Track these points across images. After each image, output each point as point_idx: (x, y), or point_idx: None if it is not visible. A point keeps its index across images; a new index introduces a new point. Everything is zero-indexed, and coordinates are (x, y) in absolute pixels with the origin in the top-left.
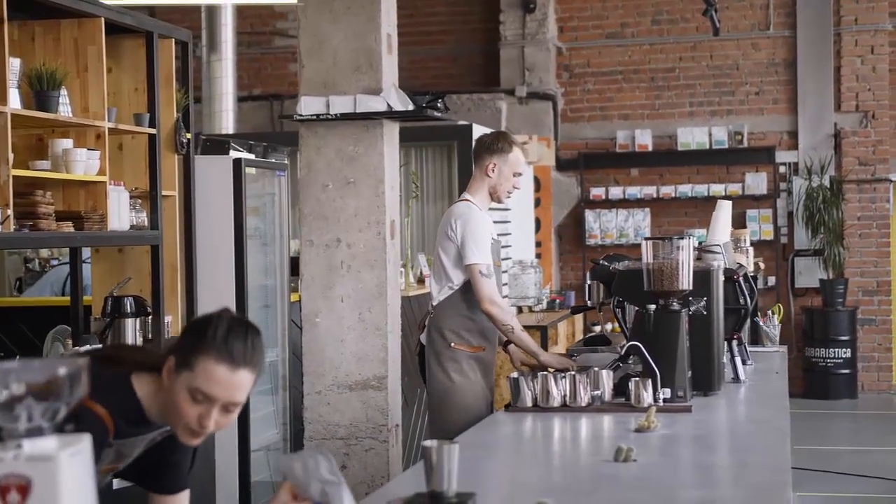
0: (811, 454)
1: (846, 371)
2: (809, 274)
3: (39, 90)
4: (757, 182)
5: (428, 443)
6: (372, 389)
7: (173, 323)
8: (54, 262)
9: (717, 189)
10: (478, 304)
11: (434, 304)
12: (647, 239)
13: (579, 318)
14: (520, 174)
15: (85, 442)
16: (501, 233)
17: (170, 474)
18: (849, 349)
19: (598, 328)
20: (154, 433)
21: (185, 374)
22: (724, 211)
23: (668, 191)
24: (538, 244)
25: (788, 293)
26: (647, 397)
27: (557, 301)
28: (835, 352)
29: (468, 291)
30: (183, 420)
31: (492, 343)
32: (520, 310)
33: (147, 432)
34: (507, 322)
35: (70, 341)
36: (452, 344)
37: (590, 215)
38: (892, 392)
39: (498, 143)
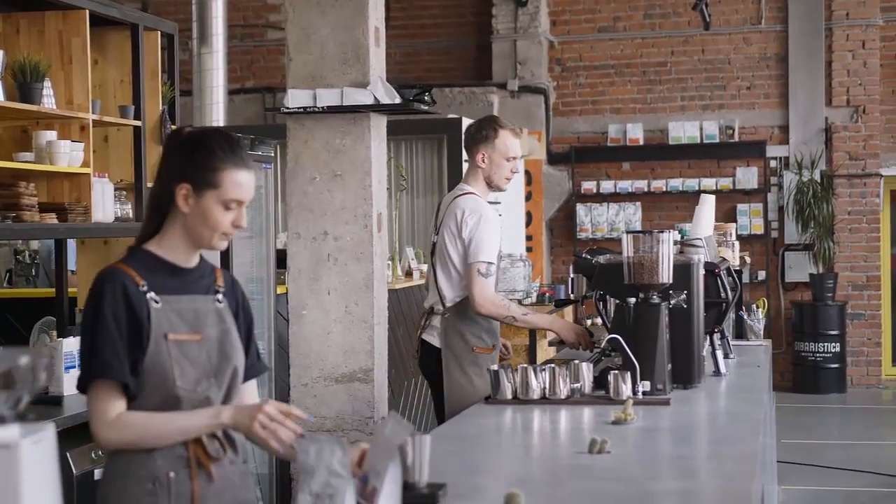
0: (799, 448)
1: (835, 365)
2: (799, 268)
3: (23, 82)
4: (748, 176)
5: None
6: (358, 382)
7: None
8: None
9: (708, 183)
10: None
11: (447, 304)
12: (628, 232)
13: (571, 311)
14: (513, 158)
15: (48, 430)
16: None
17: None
18: (838, 344)
19: (589, 322)
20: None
21: (209, 192)
22: (708, 205)
23: (659, 185)
24: (529, 238)
25: (778, 287)
26: (626, 390)
27: (548, 295)
28: (824, 346)
29: None
30: (219, 230)
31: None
32: None
33: (186, 288)
34: (506, 314)
35: (55, 332)
36: (475, 348)
37: (581, 209)
38: (881, 386)
39: (482, 131)
